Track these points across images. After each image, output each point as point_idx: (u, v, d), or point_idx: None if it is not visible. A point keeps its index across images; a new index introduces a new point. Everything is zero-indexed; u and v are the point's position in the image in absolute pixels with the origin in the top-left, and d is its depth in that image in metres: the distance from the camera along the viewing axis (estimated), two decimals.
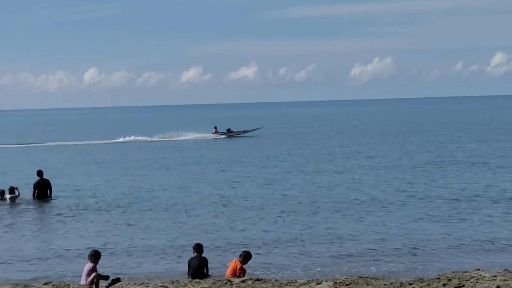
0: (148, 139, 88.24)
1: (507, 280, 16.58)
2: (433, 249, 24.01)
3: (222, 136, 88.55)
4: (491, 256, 23.00)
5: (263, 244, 25.22)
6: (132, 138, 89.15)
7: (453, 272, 17.99)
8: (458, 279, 17.10)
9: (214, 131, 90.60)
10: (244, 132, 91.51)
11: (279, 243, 25.42)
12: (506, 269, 18.11)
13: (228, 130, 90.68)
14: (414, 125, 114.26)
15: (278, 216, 30.72)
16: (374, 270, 21.26)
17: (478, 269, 18.05)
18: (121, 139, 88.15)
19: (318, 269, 21.76)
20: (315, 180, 43.04)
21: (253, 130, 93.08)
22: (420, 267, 21.74)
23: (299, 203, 34.21)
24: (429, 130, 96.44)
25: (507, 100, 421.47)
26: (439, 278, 17.51)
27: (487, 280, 16.74)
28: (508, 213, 30.37)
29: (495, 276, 17.12)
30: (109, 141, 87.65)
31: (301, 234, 26.80)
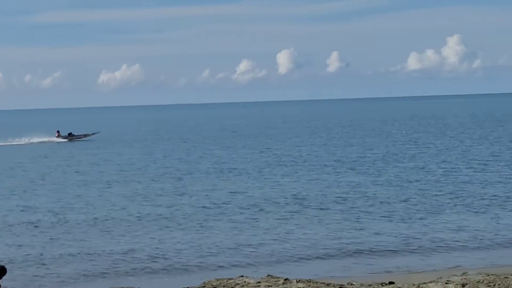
0: None
1: (271, 286, 16.99)
2: (189, 258, 24.24)
3: (65, 140, 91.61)
4: (249, 262, 23.59)
5: (12, 258, 24.25)
6: None
7: (218, 280, 18.14)
8: (224, 286, 17.30)
9: (56, 135, 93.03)
10: (85, 135, 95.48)
11: (28, 257, 24.57)
12: (269, 275, 18.53)
13: (70, 134, 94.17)
14: (162, 132, 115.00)
15: (22, 229, 29.68)
16: (133, 280, 21.10)
17: (242, 276, 18.32)
18: None
19: (72, 281, 21.32)
20: (63, 191, 42.09)
21: (92, 134, 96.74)
22: (179, 276, 21.84)
23: (44, 215, 33.19)
24: (177, 138, 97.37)
25: (252, 106, 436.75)
26: (204, 286, 17.61)
27: (252, 286, 17.08)
28: (254, 218, 31.22)
29: (259, 282, 17.50)
30: None
31: (45, 248, 25.95)
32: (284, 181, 43.80)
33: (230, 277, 18.54)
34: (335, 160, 55.77)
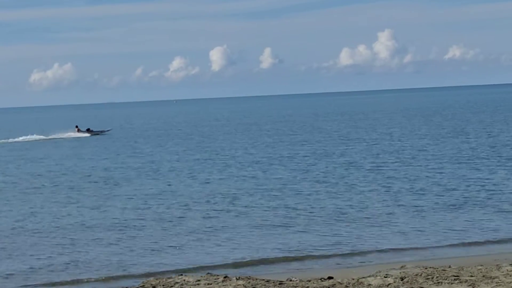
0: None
1: (211, 284, 16.83)
2: (122, 260, 23.80)
3: (85, 135, 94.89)
4: (183, 263, 23.19)
5: None
6: None
7: (157, 279, 18.00)
8: (163, 285, 17.19)
9: (76, 130, 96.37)
10: (102, 131, 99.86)
11: None
12: (208, 273, 18.43)
13: (88, 129, 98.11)
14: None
15: None
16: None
17: (182, 274, 18.21)
18: None
19: None
20: None
21: (108, 130, 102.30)
22: (115, 279, 21.44)
23: None
24: (108, 137, 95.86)
25: (186, 104, 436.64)
26: (143, 286, 17.44)
27: (192, 285, 16.98)
28: (183, 217, 30.84)
29: (199, 280, 17.40)
30: None
31: None
32: (214, 178, 43.38)
33: (169, 276, 18.45)
34: (266, 157, 55.57)
